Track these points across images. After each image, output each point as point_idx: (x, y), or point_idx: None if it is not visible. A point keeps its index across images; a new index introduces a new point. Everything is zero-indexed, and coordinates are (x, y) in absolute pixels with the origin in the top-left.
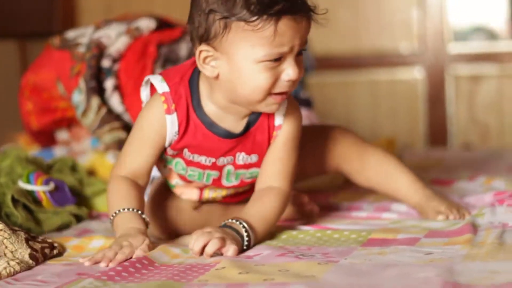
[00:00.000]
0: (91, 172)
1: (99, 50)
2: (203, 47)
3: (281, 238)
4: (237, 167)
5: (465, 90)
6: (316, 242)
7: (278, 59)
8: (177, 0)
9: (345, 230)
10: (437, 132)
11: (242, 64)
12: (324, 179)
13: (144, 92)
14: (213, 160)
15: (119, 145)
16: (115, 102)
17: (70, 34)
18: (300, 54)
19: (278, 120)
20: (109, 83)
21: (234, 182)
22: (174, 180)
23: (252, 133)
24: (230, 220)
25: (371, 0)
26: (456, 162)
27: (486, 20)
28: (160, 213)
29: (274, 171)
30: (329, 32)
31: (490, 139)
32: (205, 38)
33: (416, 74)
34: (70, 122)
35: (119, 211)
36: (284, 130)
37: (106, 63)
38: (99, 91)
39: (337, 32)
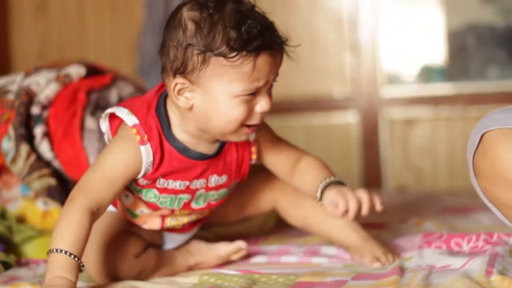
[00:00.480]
0: (21, 219)
1: (29, 97)
2: (179, 79)
3: (208, 281)
4: (208, 189)
5: (399, 134)
6: (243, 286)
7: (254, 93)
8: (110, 47)
9: (273, 274)
10: (372, 176)
11: (219, 98)
12: (254, 222)
13: (104, 124)
14: (187, 183)
15: (48, 191)
16: (45, 149)
17: (0, 81)
18: (271, 86)
19: (252, 135)
20: (38, 130)
21: (202, 205)
22: (139, 209)
23: (223, 154)
24: (331, 179)
25: (304, 45)
26: (389, 205)
27: (423, 63)
28: (103, 257)
29: (289, 156)
30: None
31: (424, 181)
32: (181, 71)
33: (350, 119)
34: (0, 170)
35: (59, 250)
36: (262, 136)
37: (35, 110)
38: (29, 138)
39: None
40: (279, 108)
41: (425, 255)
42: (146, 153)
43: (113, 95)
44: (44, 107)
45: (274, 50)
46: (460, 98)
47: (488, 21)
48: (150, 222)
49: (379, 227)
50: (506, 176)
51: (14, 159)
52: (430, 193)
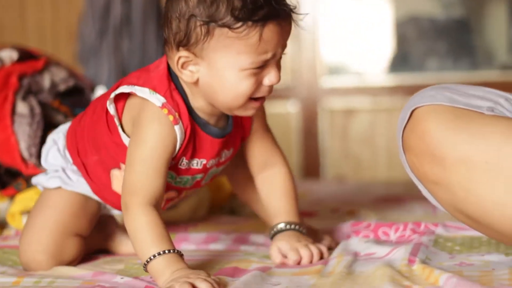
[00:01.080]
0: None
1: None
2: (182, 53)
3: (133, 268)
4: (219, 165)
5: (339, 124)
6: None
7: (261, 66)
8: (51, 33)
9: (198, 260)
10: (311, 165)
11: (225, 72)
12: (185, 210)
13: (111, 106)
14: (204, 161)
15: None
16: None
17: None
18: (280, 58)
19: None
20: None
21: (207, 180)
22: None
23: (233, 128)
24: (289, 226)
25: None
26: (325, 194)
27: (363, 53)
28: (44, 259)
29: (265, 150)
30: None
31: (363, 171)
32: (184, 43)
33: (290, 108)
34: None
35: (153, 256)
36: (257, 116)
37: None
38: None
39: None
40: None
41: (351, 243)
42: (180, 131)
43: (46, 80)
44: None
45: (282, 19)
46: (399, 89)
47: (429, 13)
48: None
49: (311, 215)
50: (433, 152)
51: None
52: (367, 183)
